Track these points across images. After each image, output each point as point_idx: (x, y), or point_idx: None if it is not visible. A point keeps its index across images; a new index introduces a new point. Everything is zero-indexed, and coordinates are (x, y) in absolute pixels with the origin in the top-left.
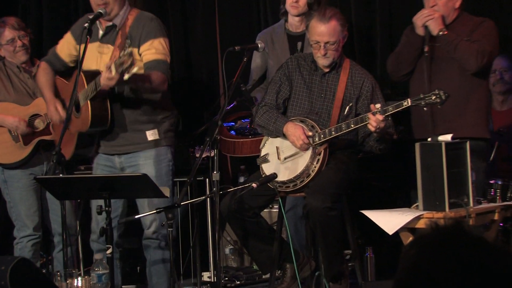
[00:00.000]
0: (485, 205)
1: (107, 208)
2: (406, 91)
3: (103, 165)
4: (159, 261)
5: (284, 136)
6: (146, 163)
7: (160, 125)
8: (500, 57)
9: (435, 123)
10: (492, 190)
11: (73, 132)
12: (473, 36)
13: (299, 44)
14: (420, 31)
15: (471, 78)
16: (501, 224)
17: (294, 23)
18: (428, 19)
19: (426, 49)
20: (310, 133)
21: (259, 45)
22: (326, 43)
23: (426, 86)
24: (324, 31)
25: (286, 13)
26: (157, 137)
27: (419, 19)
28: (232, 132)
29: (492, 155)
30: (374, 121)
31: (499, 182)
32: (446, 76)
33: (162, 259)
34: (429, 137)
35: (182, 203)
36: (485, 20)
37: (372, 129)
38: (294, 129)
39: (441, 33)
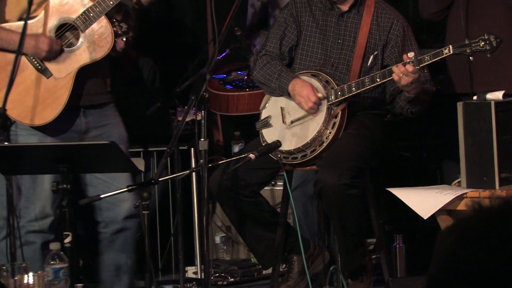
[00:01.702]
0: None
1: (65, 185)
2: (443, 38)
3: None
4: (127, 252)
5: (289, 95)
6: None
7: None
8: None
9: (471, 75)
10: None
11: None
12: None
13: None
14: None
15: None
16: None
17: None
18: None
19: None
20: (321, 94)
21: None
22: None
23: (463, 27)
24: None
25: None
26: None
27: None
28: (227, 85)
29: None
30: (399, 70)
31: None
32: (487, 14)
33: (130, 250)
34: (468, 92)
35: (160, 179)
36: None
37: (396, 79)
38: (301, 87)
39: None
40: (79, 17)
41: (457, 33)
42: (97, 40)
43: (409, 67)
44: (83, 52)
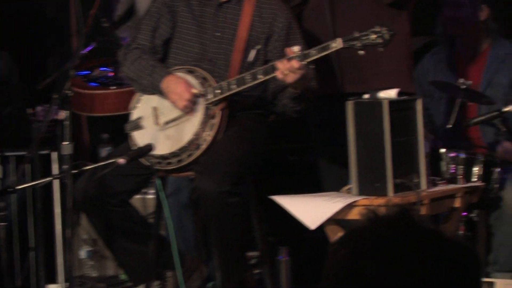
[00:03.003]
0: (442, 188)
1: None
2: None
3: None
4: None
5: (163, 93)
6: None
7: None
8: None
9: (342, 72)
10: (452, 165)
11: None
12: None
13: None
14: None
15: (387, 10)
16: (464, 214)
17: None
18: None
19: None
20: (196, 90)
21: None
22: None
23: (328, 21)
24: None
25: None
26: None
27: None
28: (90, 83)
29: (454, 117)
30: (284, 66)
31: (462, 155)
32: (354, 6)
33: None
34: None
35: (18, 187)
36: None
37: (280, 77)
38: (175, 84)
39: None
40: None
41: (320, 31)
42: None
43: (295, 63)
44: None
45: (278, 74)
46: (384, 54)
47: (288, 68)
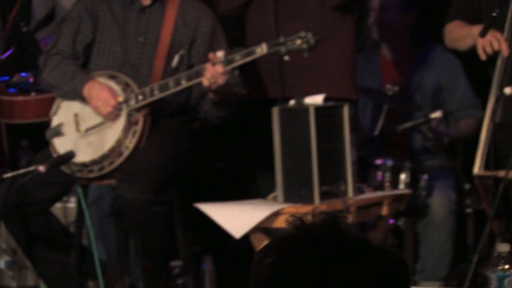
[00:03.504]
0: (369, 195)
1: None
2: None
3: None
4: None
5: (85, 99)
6: None
7: None
8: None
9: (283, 77)
10: (379, 173)
11: None
12: None
13: None
14: None
15: (332, 15)
16: (391, 221)
17: None
18: None
19: None
20: (121, 98)
21: None
22: None
23: (272, 24)
24: None
25: None
26: None
27: None
28: (10, 89)
29: (380, 123)
30: (210, 73)
31: (389, 163)
32: (299, 10)
33: None
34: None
35: None
36: None
37: (206, 84)
38: (98, 90)
39: None
40: None
41: (264, 33)
42: None
43: (219, 68)
44: None
45: (204, 80)
46: (328, 59)
47: (212, 73)
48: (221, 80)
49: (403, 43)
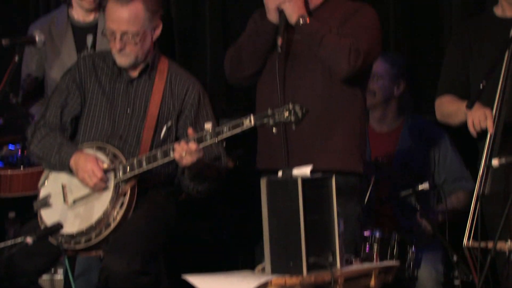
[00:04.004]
0: (357, 266)
1: None
2: (250, 106)
3: None
4: None
5: (72, 170)
6: None
7: None
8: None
9: (289, 149)
10: (367, 244)
11: None
12: (344, 28)
13: (89, 38)
14: (272, 16)
15: (340, 86)
16: None
17: (81, 9)
18: (284, 1)
19: (279, 41)
20: (106, 165)
21: (37, 38)
22: (124, 33)
23: (278, 95)
24: (122, 17)
25: None
26: None
27: (271, 0)
28: None
29: (367, 195)
30: (178, 152)
31: (377, 234)
32: (306, 82)
33: None
34: (280, 169)
35: None
36: (362, 6)
37: (177, 158)
38: (85, 161)
39: (301, 21)
40: None
41: (272, 102)
42: None
43: (192, 145)
44: None
45: (175, 155)
46: (334, 131)
47: (185, 149)
48: (192, 158)
49: (391, 114)
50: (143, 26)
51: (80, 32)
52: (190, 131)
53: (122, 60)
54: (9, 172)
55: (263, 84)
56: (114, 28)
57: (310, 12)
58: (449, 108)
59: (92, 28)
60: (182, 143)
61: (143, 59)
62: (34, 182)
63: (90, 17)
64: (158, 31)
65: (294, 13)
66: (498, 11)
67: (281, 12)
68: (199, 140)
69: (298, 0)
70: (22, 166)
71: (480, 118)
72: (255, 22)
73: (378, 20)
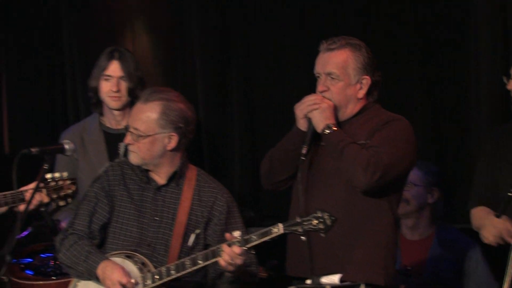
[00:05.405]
0: None
1: None
2: (278, 214)
3: None
4: None
5: (99, 279)
6: None
7: None
8: None
9: (313, 258)
10: None
11: None
12: (372, 140)
13: (122, 146)
14: (301, 124)
15: (364, 197)
16: None
17: (113, 117)
18: (312, 109)
19: (304, 150)
20: (134, 280)
21: (66, 146)
22: (134, 129)
23: (300, 203)
24: (135, 113)
25: (100, 103)
26: None
27: (299, 108)
28: (28, 271)
29: None
30: (228, 255)
31: None
32: (331, 191)
33: None
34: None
35: None
36: (395, 118)
37: (224, 264)
38: (111, 270)
39: (326, 130)
40: None
41: (297, 209)
42: None
43: (236, 249)
44: None
45: (221, 261)
46: (356, 242)
47: (229, 253)
48: (238, 261)
49: (424, 222)
50: (153, 130)
51: (112, 139)
52: (228, 235)
53: (130, 158)
54: (41, 281)
55: (293, 189)
56: (129, 121)
57: (341, 123)
58: (481, 221)
59: (124, 135)
60: (225, 246)
61: (151, 163)
62: None
63: (122, 125)
64: (173, 143)
65: (321, 122)
66: None
67: (309, 120)
68: (245, 242)
69: (327, 109)
70: (54, 277)
71: (504, 234)
72: (291, 131)
73: (409, 132)
